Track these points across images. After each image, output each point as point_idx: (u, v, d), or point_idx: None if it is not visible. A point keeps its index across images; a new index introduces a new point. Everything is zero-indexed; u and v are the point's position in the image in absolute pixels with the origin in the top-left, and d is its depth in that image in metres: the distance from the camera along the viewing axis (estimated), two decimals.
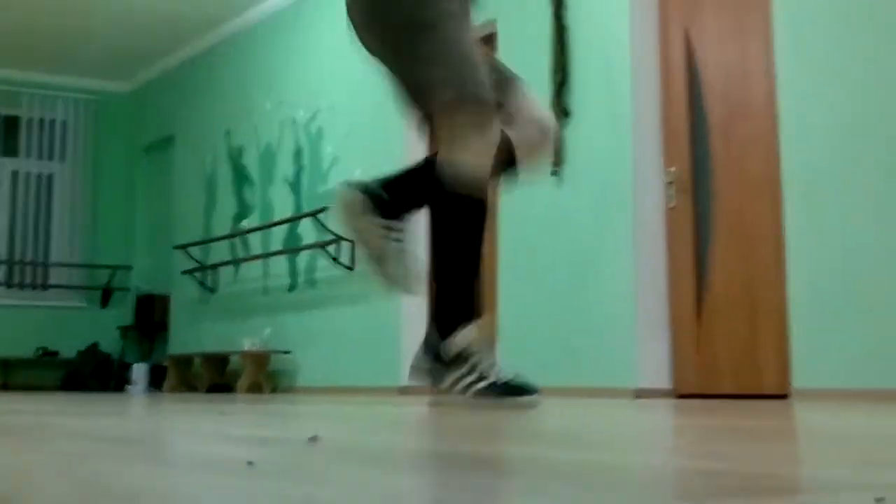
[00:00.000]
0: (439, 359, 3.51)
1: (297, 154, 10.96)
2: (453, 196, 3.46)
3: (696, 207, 7.14)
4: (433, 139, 3.71)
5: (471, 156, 3.41)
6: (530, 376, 7.30)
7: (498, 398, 3.50)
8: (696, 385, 6.96)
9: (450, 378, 3.48)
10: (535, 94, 3.82)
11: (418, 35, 3.57)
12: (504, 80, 3.65)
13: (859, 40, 5.97)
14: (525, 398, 3.55)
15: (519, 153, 3.58)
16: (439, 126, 3.54)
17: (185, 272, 12.58)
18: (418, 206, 3.71)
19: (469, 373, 3.45)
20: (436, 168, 3.52)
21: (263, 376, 10.66)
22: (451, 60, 3.56)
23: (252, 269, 11.54)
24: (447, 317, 3.53)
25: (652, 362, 7.10)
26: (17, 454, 1.93)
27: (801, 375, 6.07)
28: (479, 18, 7.75)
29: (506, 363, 7.53)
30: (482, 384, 3.43)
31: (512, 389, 3.49)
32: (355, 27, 3.80)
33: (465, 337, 3.46)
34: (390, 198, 3.64)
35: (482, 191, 3.45)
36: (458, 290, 3.56)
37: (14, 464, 1.71)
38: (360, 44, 3.81)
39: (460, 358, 3.47)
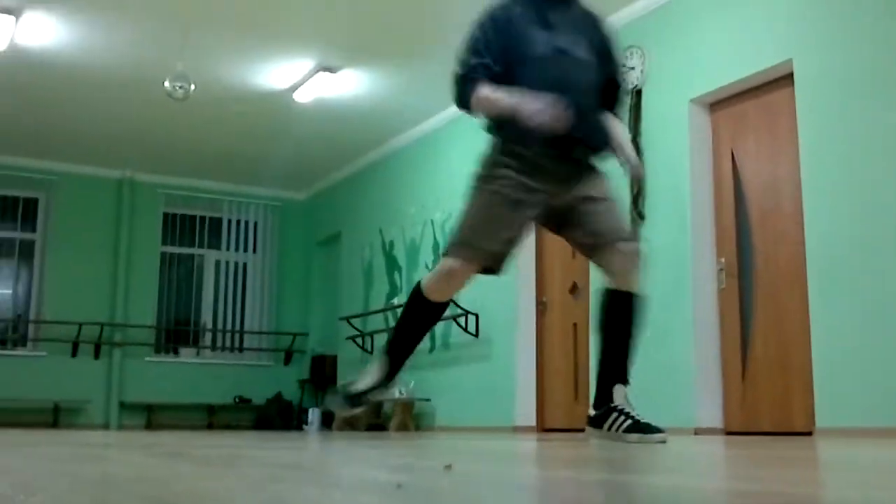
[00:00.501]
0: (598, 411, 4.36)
1: (435, 247, 10.96)
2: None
3: (741, 289, 7.11)
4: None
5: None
6: None
7: (640, 433, 4.22)
8: (741, 424, 6.94)
9: (608, 422, 4.32)
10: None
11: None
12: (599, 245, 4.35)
13: (870, 160, 6.02)
14: (657, 436, 4.27)
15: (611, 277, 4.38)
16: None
17: (348, 338, 12.59)
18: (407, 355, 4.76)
19: (619, 417, 4.29)
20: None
21: (410, 418, 10.61)
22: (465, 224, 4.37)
23: None
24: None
25: (707, 407, 7.10)
26: (216, 479, 1.89)
27: (823, 416, 6.08)
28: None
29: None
30: (629, 422, 4.26)
31: (648, 428, 4.24)
32: None
33: (619, 394, 4.34)
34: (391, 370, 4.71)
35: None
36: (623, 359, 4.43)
37: (216, 486, 1.69)
38: None
39: (615, 408, 4.29)
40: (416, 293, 4.54)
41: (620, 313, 4.41)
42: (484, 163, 4.48)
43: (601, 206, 4.36)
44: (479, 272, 4.42)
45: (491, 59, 4.31)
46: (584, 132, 4.28)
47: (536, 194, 4.33)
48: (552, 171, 4.32)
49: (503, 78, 4.28)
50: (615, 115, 4.57)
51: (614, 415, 4.34)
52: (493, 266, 4.39)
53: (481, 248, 4.33)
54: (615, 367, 4.45)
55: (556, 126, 4.08)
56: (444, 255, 4.45)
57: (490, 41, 4.35)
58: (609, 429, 4.33)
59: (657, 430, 4.28)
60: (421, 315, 4.65)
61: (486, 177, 4.41)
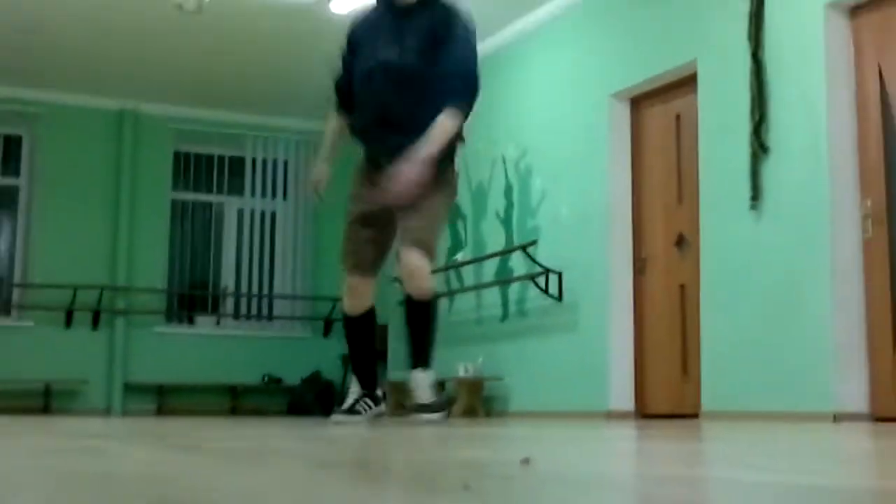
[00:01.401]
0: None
1: (508, 190, 11.02)
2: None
3: (892, 239, 7.05)
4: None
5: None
6: (735, 402, 7.39)
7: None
8: (893, 409, 6.88)
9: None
10: None
11: None
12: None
13: None
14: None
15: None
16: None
17: (401, 303, 12.69)
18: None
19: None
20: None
21: (478, 401, 10.68)
22: None
23: (466, 301, 11.66)
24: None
25: (850, 387, 7.05)
26: (241, 477, 1.90)
27: None
28: (680, 59, 7.89)
29: (710, 390, 7.61)
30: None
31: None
32: None
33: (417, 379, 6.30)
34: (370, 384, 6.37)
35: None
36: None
37: (239, 487, 1.69)
38: None
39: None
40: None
41: (408, 312, 6.14)
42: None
43: (411, 207, 5.75)
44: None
45: (342, 78, 6.15)
46: (389, 145, 5.76)
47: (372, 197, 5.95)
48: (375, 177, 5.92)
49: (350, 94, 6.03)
50: (450, 109, 5.75)
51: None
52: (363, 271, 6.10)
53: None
54: (411, 355, 6.22)
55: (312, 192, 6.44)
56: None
57: (344, 57, 6.13)
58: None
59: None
60: (347, 330, 6.44)
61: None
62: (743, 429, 5.38)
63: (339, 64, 6.15)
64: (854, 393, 7.11)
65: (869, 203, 7.27)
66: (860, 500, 1.53)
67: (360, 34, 5.99)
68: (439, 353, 12.07)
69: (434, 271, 11.96)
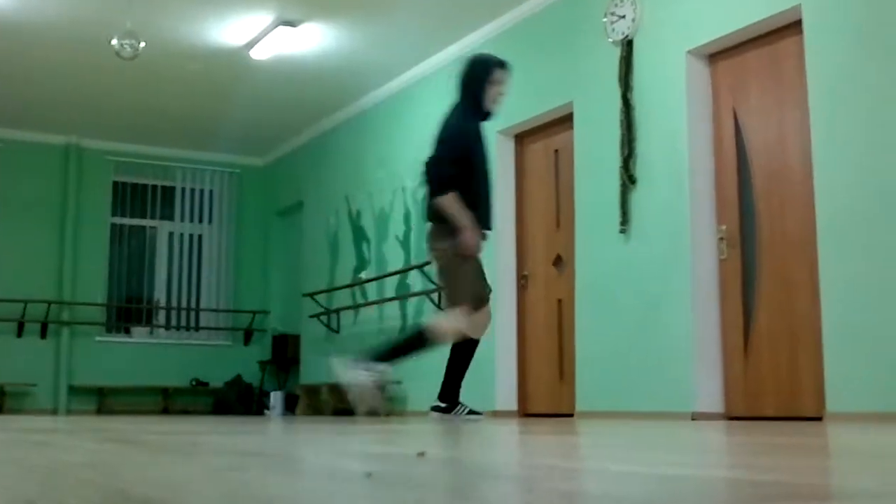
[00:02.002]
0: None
1: (407, 216, 10.92)
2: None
3: (744, 259, 6.99)
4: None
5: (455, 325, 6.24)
6: (605, 403, 7.32)
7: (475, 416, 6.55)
8: (744, 408, 6.82)
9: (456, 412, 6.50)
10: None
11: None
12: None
13: (885, 113, 5.86)
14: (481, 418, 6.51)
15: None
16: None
17: (312, 316, 12.61)
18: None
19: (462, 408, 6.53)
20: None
21: (380, 403, 10.57)
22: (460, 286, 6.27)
23: (369, 313, 11.53)
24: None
25: (707, 389, 6.98)
26: (172, 467, 1.93)
27: (835, 400, 5.93)
28: (559, 100, 7.80)
29: (584, 392, 7.53)
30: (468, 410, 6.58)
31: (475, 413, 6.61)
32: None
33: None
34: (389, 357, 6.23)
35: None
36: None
37: (173, 474, 1.72)
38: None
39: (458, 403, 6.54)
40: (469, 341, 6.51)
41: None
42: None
43: None
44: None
45: (463, 171, 6.18)
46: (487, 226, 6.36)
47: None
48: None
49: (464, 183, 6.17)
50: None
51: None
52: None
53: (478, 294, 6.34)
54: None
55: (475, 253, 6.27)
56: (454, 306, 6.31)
57: (468, 157, 6.22)
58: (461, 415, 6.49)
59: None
60: (469, 351, 6.61)
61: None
62: (612, 426, 5.45)
63: (460, 158, 6.21)
64: (710, 395, 7.03)
65: (724, 228, 7.18)
66: (712, 487, 1.55)
67: (477, 140, 6.31)
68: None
69: (341, 287, 11.94)
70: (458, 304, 6.20)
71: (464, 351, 6.42)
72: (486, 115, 6.37)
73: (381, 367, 6.04)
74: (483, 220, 6.21)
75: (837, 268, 6.07)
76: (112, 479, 1.57)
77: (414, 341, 6.21)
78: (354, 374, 5.96)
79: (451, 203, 6.08)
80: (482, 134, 6.33)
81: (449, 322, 6.23)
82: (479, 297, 6.27)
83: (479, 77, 6.30)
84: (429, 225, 6.38)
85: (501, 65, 6.34)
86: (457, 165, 6.13)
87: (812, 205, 6.32)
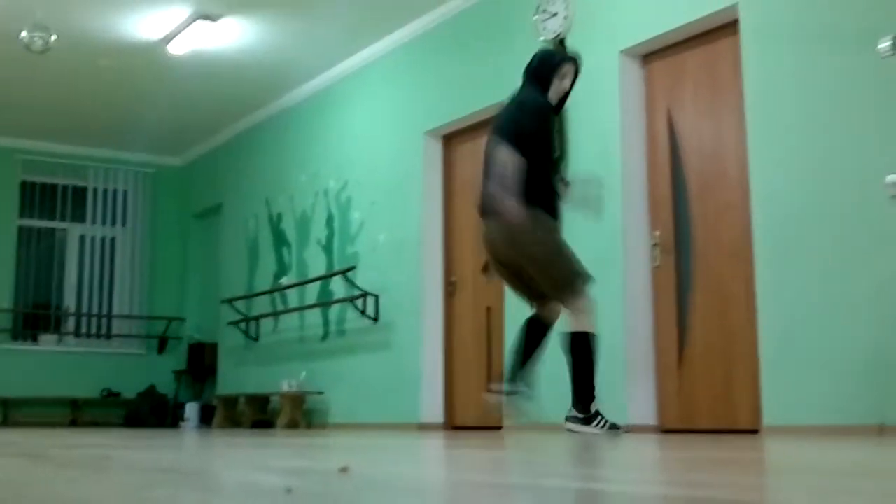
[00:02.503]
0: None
1: (329, 220, 10.90)
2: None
3: (678, 267, 7.02)
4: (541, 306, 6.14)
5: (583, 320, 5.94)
6: (535, 412, 7.24)
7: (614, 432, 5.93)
8: (678, 421, 6.84)
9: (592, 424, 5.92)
10: None
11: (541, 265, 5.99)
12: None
13: (823, 117, 5.90)
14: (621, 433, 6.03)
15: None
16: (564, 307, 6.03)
17: (230, 323, 12.56)
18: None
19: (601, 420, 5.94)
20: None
21: (300, 414, 10.60)
22: (561, 272, 5.97)
23: (290, 321, 11.48)
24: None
25: (640, 402, 6.98)
26: (80, 484, 1.89)
27: (771, 413, 5.96)
28: (486, 100, 7.74)
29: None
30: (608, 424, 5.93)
31: (615, 427, 5.98)
32: (493, 245, 6.07)
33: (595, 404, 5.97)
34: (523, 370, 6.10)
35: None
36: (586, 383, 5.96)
37: (81, 493, 1.69)
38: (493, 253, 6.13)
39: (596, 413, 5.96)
40: (585, 337, 6.00)
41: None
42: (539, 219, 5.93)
43: None
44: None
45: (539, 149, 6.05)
46: None
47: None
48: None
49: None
50: None
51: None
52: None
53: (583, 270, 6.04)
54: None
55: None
56: (574, 293, 5.98)
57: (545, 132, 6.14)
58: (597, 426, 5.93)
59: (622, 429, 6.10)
60: (593, 349, 6.05)
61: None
62: (542, 439, 5.45)
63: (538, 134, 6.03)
64: (643, 407, 7.04)
65: (658, 233, 7.21)
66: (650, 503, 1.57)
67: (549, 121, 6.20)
68: (263, 371, 11.86)
69: (261, 293, 11.82)
70: (571, 288, 5.93)
71: (537, 337, 6.13)
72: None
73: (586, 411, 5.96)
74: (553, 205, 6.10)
75: (774, 277, 6.11)
76: (15, 499, 1.54)
77: (585, 357, 5.94)
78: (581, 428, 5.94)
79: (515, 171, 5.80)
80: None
81: (581, 313, 5.93)
82: (584, 272, 5.99)
83: (550, 68, 6.11)
84: (501, 226, 5.89)
85: (572, 60, 6.22)
86: (533, 141, 5.94)
87: (748, 211, 6.36)
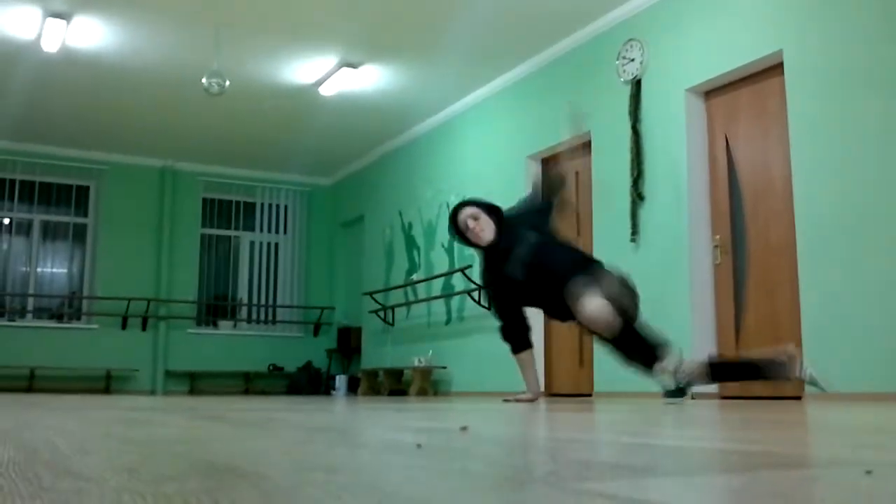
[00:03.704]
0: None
1: (451, 227, 10.85)
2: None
3: (735, 265, 6.98)
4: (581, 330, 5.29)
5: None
6: (618, 385, 7.22)
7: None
8: (735, 389, 6.79)
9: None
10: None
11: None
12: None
13: (859, 137, 5.85)
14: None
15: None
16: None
17: (371, 311, 12.58)
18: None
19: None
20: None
21: (428, 384, 10.58)
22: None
23: (419, 309, 11.53)
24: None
25: None
26: (252, 440, 1.85)
27: None
28: (581, 130, 7.75)
29: (600, 376, 7.40)
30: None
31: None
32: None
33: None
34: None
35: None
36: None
37: (251, 446, 1.66)
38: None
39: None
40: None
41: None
42: None
43: None
44: None
45: None
46: None
47: None
48: None
49: None
50: None
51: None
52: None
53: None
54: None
55: None
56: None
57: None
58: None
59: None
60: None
61: None
62: (624, 405, 5.27)
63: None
64: None
65: (718, 237, 7.16)
66: (708, 456, 1.51)
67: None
68: (398, 349, 11.97)
69: (395, 287, 11.84)
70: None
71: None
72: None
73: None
74: None
75: (814, 271, 6.07)
76: (201, 451, 1.54)
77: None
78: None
79: None
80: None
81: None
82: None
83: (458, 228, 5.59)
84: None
85: (452, 214, 5.65)
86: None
87: (792, 217, 6.32)
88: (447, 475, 1.17)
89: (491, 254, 5.50)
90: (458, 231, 5.55)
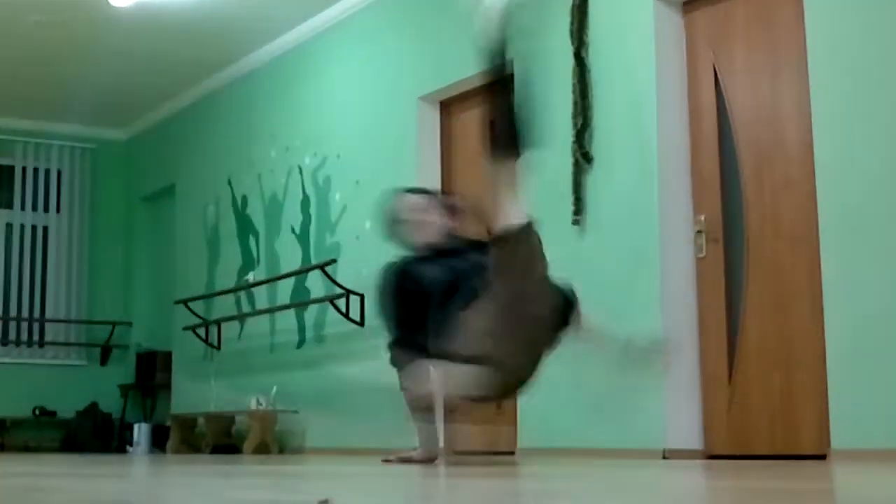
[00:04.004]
0: None
1: (305, 203, 10.93)
2: None
3: (728, 258, 7.01)
4: None
5: None
6: (553, 440, 7.21)
7: None
8: (728, 445, 6.82)
9: None
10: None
11: None
12: None
13: None
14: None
15: None
16: None
17: (186, 328, 12.51)
18: None
19: None
20: None
21: (270, 437, 10.60)
22: None
23: (258, 325, 11.53)
24: None
25: (682, 421, 6.97)
26: None
27: (842, 435, 5.92)
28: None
29: (528, 428, 7.44)
30: None
31: None
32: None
33: None
34: None
35: None
36: None
37: None
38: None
39: None
40: None
41: None
42: None
43: None
44: None
45: None
46: None
47: None
48: None
49: None
50: None
51: None
52: None
53: None
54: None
55: None
56: None
57: None
58: None
59: None
60: None
61: None
62: (564, 468, 5.33)
63: None
64: (686, 428, 7.05)
65: (703, 219, 7.19)
66: None
67: None
68: (226, 385, 11.81)
69: (223, 292, 11.82)
70: None
71: None
72: None
73: None
74: None
75: (844, 268, 6.07)
76: None
77: None
78: None
79: None
80: None
81: None
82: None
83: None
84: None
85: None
86: None
87: (813, 193, 6.32)
88: None
89: None
90: None
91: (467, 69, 8.65)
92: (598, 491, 3.17)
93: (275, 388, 10.75)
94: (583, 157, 7.58)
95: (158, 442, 12.65)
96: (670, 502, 2.65)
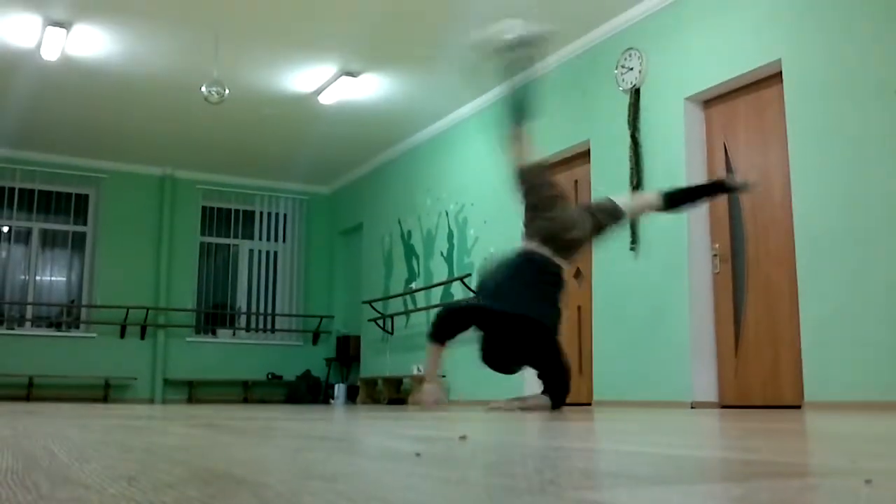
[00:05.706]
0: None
1: (450, 236, 10.87)
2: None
3: (735, 273, 6.97)
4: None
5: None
6: (617, 393, 7.20)
7: None
8: (735, 398, 6.79)
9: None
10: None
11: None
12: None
13: (858, 146, 5.83)
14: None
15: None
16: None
17: (370, 320, 12.55)
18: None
19: None
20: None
21: None
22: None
23: (418, 317, 11.48)
24: None
25: (703, 383, 6.94)
26: (251, 448, 1.85)
27: (811, 391, 5.91)
28: (578, 137, 7.71)
29: (600, 385, 7.44)
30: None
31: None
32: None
33: None
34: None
35: None
36: None
37: (250, 455, 1.64)
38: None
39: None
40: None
41: None
42: None
43: None
44: None
45: None
46: None
47: None
48: None
49: None
50: None
51: None
52: None
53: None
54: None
55: None
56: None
57: None
58: None
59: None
60: None
61: None
62: (623, 414, 5.26)
63: None
64: (706, 386, 6.98)
65: (717, 245, 7.14)
66: (709, 465, 1.51)
67: None
68: (397, 358, 11.88)
69: (394, 296, 11.88)
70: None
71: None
72: None
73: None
74: None
75: (813, 279, 6.05)
76: (200, 459, 1.53)
77: None
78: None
79: None
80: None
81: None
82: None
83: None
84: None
85: None
86: None
87: (791, 226, 6.31)
88: (446, 483, 1.16)
89: None
90: None
91: (558, 144, 8.59)
92: (657, 426, 3.17)
93: None
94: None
95: (351, 396, 12.68)
96: (702, 434, 2.61)
